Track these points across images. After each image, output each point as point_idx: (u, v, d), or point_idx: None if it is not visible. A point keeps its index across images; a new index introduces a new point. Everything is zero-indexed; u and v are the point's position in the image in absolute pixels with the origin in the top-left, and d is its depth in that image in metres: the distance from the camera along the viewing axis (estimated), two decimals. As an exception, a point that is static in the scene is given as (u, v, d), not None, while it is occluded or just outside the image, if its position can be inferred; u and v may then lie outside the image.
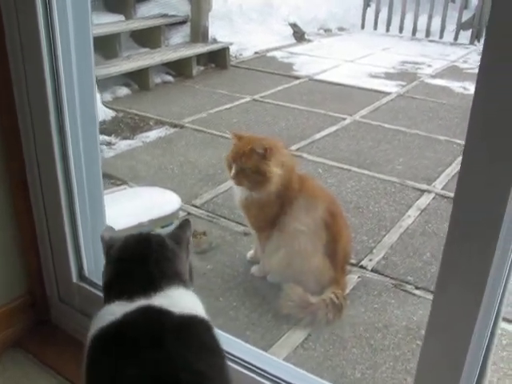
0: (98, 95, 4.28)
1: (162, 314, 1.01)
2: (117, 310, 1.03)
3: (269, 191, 2.17)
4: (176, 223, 2.33)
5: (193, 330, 1.03)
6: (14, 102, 1.54)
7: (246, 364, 1.48)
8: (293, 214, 2.23)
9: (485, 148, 0.88)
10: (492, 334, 1.05)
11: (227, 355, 1.48)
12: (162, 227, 2.22)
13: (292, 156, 2.43)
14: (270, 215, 2.24)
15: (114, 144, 3.89)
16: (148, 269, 1.07)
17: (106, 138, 3.95)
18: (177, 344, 0.98)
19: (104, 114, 4.29)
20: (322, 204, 2.25)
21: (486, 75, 0.85)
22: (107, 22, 5.30)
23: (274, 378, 1.46)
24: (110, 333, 1.01)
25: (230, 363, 1.47)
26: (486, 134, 0.88)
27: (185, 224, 1.20)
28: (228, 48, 5.91)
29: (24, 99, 1.53)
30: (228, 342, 1.53)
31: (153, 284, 1.05)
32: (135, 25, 5.52)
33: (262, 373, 1.47)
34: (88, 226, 1.70)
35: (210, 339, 1.06)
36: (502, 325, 2.11)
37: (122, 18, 5.54)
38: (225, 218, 2.92)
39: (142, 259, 1.09)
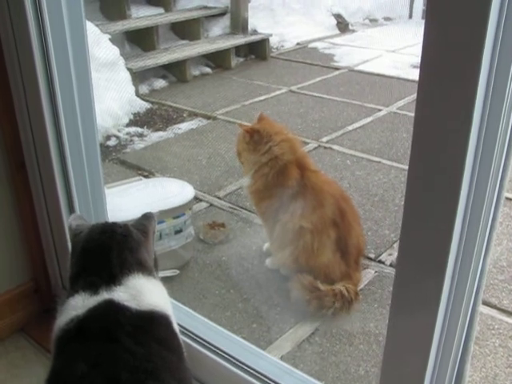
0: (133, 88, 4.36)
1: (120, 311, 1.01)
2: (79, 305, 1.03)
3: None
4: (189, 214, 2.33)
5: (149, 327, 1.02)
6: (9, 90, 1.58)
7: (231, 358, 1.46)
8: (296, 211, 2.20)
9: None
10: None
11: (216, 349, 1.49)
12: (174, 218, 2.22)
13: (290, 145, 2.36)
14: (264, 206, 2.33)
15: (145, 136, 3.93)
16: (110, 261, 1.08)
17: (139, 129, 4.00)
18: (129, 342, 0.97)
19: (138, 106, 4.34)
20: (330, 200, 2.21)
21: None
22: (147, 15, 5.37)
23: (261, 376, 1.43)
24: (72, 330, 1.01)
25: (220, 359, 1.47)
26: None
27: (149, 215, 1.23)
28: (268, 39, 5.86)
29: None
30: (215, 333, 1.52)
31: (114, 276, 1.06)
32: (174, 17, 5.55)
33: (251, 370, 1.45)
34: (89, 217, 1.72)
35: (168, 335, 1.05)
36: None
37: (161, 10, 5.58)
38: (246, 209, 2.91)
39: (105, 251, 1.09)
